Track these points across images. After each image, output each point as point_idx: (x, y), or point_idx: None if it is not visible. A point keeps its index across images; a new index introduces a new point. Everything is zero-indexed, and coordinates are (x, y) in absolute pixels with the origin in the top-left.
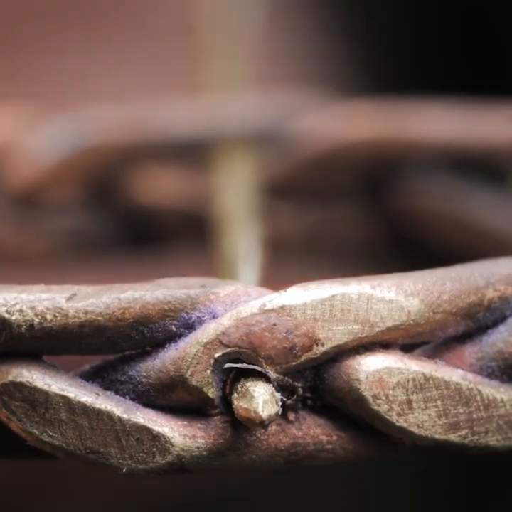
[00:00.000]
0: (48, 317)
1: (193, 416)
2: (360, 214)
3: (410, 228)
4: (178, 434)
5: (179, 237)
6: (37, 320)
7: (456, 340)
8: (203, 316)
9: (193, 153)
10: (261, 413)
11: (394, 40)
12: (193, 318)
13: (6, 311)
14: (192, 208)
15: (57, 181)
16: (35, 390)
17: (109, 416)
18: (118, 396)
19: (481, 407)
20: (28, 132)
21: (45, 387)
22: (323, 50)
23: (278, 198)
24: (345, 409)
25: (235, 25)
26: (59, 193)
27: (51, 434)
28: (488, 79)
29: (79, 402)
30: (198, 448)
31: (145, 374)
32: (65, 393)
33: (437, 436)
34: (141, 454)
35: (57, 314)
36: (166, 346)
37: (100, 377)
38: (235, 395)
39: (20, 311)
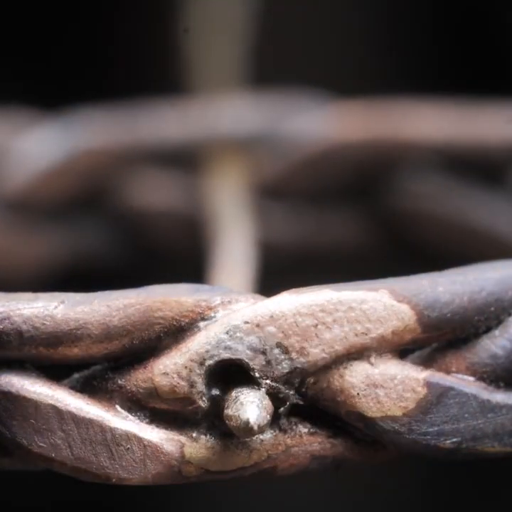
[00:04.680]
0: (37, 325)
1: (184, 425)
2: (354, 216)
3: (404, 229)
4: (170, 443)
5: (173, 240)
6: (25, 328)
7: (451, 345)
8: (194, 324)
9: (187, 156)
10: (252, 422)
11: (390, 40)
12: (184, 326)
13: (7, 319)
14: (186, 211)
15: (50, 185)
16: (25, 399)
17: (99, 425)
18: (108, 405)
19: (477, 413)
20: (22, 136)
21: (35, 397)
22: (319, 50)
23: (272, 200)
24: (338, 416)
25: (229, 27)
26: (53, 197)
27: (40, 444)
28: (482, 79)
29: (68, 411)
30: (190, 457)
31: (135, 383)
32: (54, 402)
33: (433, 443)
34: (132, 464)
35: (46, 322)
36: (156, 354)
37: (90, 385)
38: (226, 404)
39: (8, 318)
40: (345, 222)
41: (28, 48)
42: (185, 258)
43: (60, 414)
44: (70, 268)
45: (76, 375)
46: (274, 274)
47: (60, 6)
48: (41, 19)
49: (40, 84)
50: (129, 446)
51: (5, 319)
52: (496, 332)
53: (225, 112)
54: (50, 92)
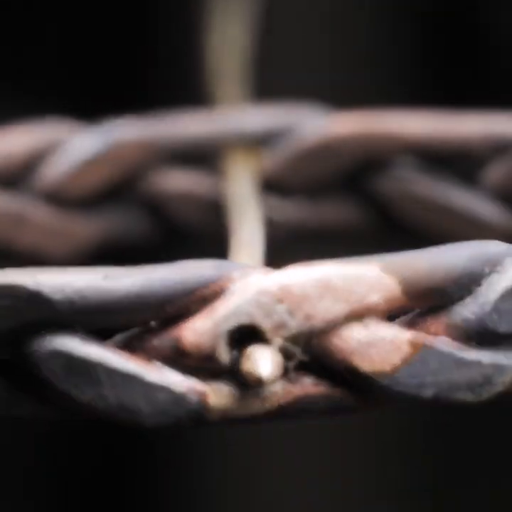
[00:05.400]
0: (86, 295)
1: (208, 378)
2: (347, 201)
3: (393, 212)
4: (196, 393)
5: (196, 224)
6: (76, 297)
7: (431, 311)
8: (217, 294)
9: (206, 151)
10: (265, 376)
11: (382, 58)
12: (209, 296)
13: (50, 290)
14: (208, 198)
15: (87, 175)
16: (75, 357)
17: (139, 378)
18: (146, 361)
19: (453, 368)
20: (63, 141)
21: (84, 355)
22: (315, 66)
23: (273, 190)
24: (337, 370)
25: (240, 43)
26: (89, 185)
27: (89, 395)
28: (469, 97)
29: (113, 366)
30: (212, 406)
31: (168, 343)
32: (101, 359)
33: (416, 393)
34: (165, 411)
35: (94, 292)
36: (185, 319)
37: (130, 345)
38: (243, 360)
39: (62, 290)
40: (339, 207)
41: (64, 64)
42: (206, 239)
43: (106, 370)
44: (104, 250)
45: (119, 337)
46: (277, 253)
47: (94, 32)
48: (76, 40)
49: (76, 98)
50: (162, 395)
51: (59, 290)
52: (468, 300)
53: (239, 116)
54: (84, 105)
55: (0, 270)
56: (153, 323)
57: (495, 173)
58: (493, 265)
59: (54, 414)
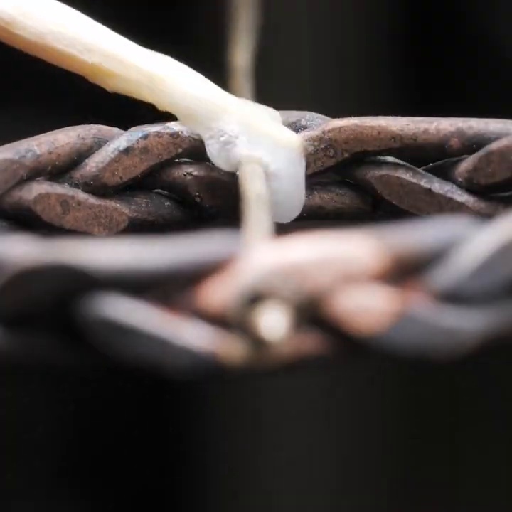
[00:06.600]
0: (120, 265)
1: (223, 332)
2: (339, 186)
3: (380, 195)
4: (211, 345)
5: (215, 208)
6: (111, 268)
7: (414, 279)
8: (231, 264)
9: None
10: (274, 332)
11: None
12: (223, 265)
13: (95, 262)
14: (228, 183)
15: (120, 166)
16: (117, 321)
17: (163, 337)
18: (170, 320)
19: (429, 331)
20: (101, 140)
21: (118, 320)
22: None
23: None
24: (336, 330)
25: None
26: (122, 175)
27: (128, 352)
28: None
29: (142, 330)
30: (225, 357)
31: (189, 303)
32: (136, 321)
33: (400, 353)
34: (184, 362)
35: (126, 262)
36: (204, 285)
37: (158, 307)
38: (255, 319)
39: (102, 262)
40: (335, 191)
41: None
42: (222, 219)
43: (138, 331)
44: (134, 229)
45: (149, 300)
46: (282, 231)
47: None
48: None
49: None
50: (183, 351)
51: (99, 262)
52: (442, 267)
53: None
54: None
55: (50, 245)
56: (178, 287)
57: (464, 165)
58: (463, 239)
59: (97, 366)
